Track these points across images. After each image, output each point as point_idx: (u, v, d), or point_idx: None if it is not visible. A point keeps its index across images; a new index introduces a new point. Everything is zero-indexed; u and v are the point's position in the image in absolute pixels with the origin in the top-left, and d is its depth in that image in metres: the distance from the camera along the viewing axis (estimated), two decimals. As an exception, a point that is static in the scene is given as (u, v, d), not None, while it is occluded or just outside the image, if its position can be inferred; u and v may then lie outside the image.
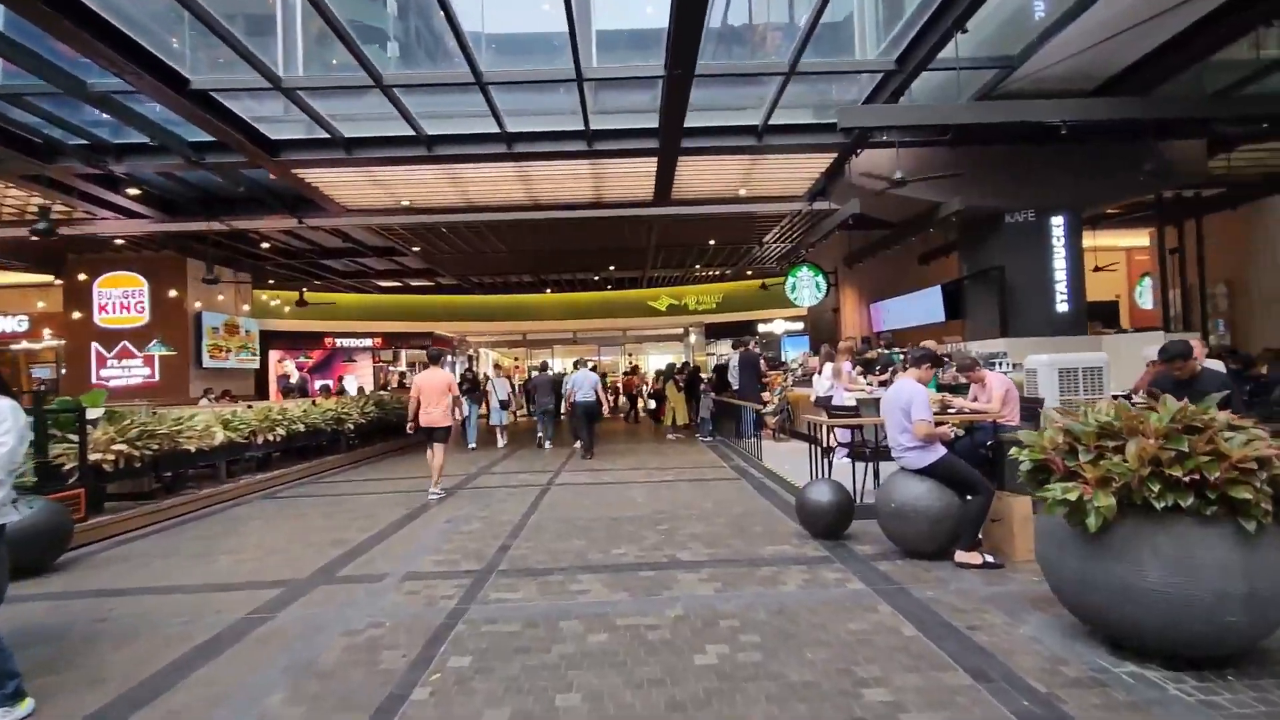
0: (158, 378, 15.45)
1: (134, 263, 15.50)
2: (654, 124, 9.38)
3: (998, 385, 5.46)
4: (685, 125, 9.04)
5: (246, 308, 18.81)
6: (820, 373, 9.36)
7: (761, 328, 24.15)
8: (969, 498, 4.57)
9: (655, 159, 10.02)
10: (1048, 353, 10.14)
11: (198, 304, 16.22)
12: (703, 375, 14.79)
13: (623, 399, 23.08)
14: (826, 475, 6.08)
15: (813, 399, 9.53)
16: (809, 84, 9.47)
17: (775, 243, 16.48)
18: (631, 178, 11.13)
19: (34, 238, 10.25)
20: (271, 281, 20.58)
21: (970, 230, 11.14)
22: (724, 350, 26.17)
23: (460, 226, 13.58)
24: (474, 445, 13.18)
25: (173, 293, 15.70)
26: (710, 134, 9.70)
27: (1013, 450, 3.72)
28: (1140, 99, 8.28)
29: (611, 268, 20.44)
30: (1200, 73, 8.60)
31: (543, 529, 6.10)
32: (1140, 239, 15.44)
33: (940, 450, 4.68)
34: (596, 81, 8.29)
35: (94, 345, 15.42)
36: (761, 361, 12.67)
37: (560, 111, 9.25)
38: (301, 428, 10.63)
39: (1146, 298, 15.28)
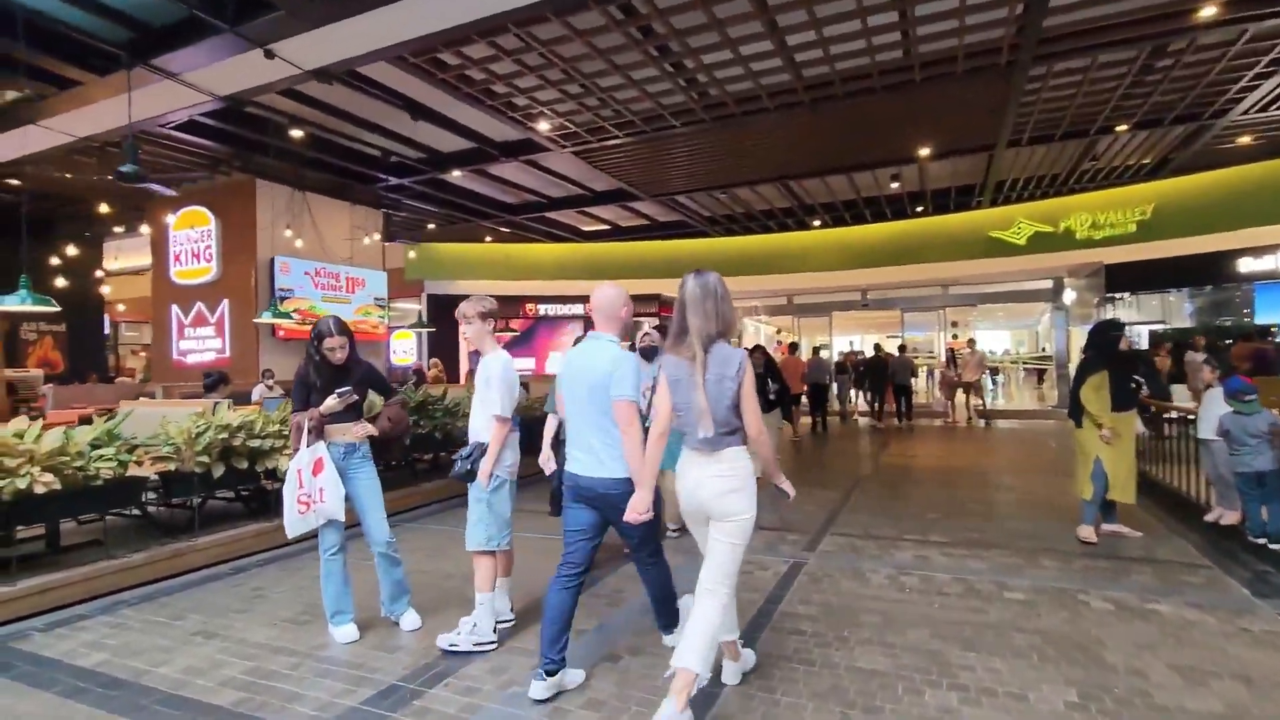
0: (227, 352, 11.16)
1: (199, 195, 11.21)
2: None
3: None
4: None
5: (371, 240, 12.79)
6: None
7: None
8: None
9: None
10: None
11: (282, 242, 11.14)
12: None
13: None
14: None
15: None
16: None
17: None
18: None
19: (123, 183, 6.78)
20: (432, 227, 15.81)
21: None
22: (1133, 317, 14.34)
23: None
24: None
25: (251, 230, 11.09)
26: None
27: None
28: None
29: (924, 151, 10.94)
30: None
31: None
32: None
33: None
34: None
35: (173, 309, 11.71)
36: None
37: None
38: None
39: None
